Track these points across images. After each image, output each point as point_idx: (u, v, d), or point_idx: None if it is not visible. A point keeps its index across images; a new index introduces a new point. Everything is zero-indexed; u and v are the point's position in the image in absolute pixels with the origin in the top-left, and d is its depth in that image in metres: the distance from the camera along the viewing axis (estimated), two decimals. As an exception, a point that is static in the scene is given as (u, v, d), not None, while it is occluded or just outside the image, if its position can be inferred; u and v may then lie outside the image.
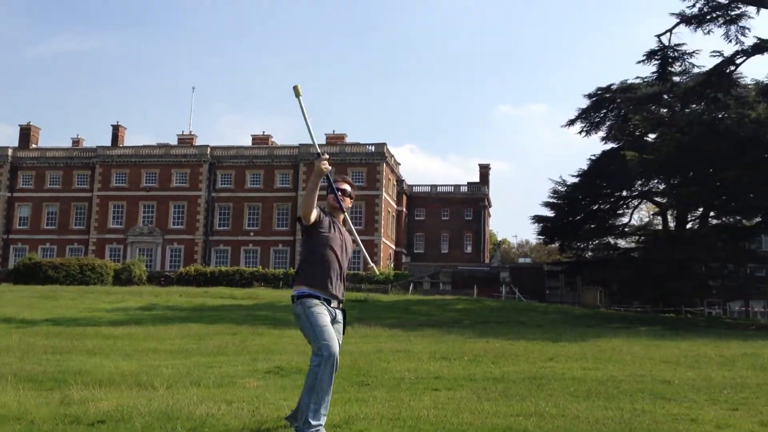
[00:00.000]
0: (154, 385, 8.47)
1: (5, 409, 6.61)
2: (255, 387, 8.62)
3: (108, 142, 75.57)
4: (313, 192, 5.50)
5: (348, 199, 5.99)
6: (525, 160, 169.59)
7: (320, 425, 5.28)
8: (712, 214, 40.02)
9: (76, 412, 6.46)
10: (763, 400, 7.80)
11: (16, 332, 17.75)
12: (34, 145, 76.58)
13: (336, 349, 5.32)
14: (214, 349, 14.25)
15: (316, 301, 5.50)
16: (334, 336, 5.38)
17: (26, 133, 76.61)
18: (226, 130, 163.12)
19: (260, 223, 69.70)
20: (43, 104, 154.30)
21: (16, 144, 75.90)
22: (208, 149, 71.83)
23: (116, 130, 76.76)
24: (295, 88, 5.37)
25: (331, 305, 5.59)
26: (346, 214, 5.99)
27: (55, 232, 71.65)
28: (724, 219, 40.47)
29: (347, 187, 6.01)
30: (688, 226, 41.54)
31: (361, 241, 6.27)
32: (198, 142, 75.88)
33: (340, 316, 5.70)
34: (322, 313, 5.46)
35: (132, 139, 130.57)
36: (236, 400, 7.29)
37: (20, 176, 73.23)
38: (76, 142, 78.49)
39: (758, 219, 38.30)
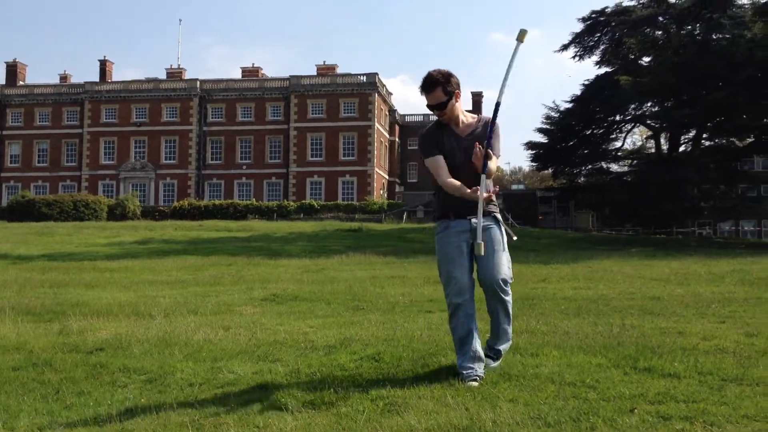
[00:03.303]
0: (152, 314, 8.58)
1: (4, 340, 6.70)
2: (251, 313, 8.74)
3: (96, 78, 74.61)
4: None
5: (450, 103, 4.80)
6: (518, 88, 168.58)
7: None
8: (705, 135, 39.97)
9: (74, 341, 6.56)
10: (750, 312, 7.94)
11: (12, 268, 17.85)
12: (21, 82, 75.65)
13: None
14: (211, 279, 14.38)
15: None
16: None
17: (13, 71, 75.62)
18: (216, 63, 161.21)
19: (253, 157, 69.43)
20: (28, 41, 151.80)
21: (2, 81, 74.96)
22: (198, 83, 71.05)
23: (104, 65, 75.65)
24: (522, 34, 4.49)
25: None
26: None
27: (47, 170, 71.35)
28: (716, 140, 40.42)
29: (441, 96, 4.75)
30: (681, 148, 41.61)
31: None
32: (187, 75, 75.01)
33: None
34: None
35: (120, 74, 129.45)
36: (233, 326, 7.39)
37: (9, 114, 72.54)
38: (63, 78, 77.50)
39: (750, 139, 38.28)
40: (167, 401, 4.37)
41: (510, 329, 5.00)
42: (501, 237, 4.88)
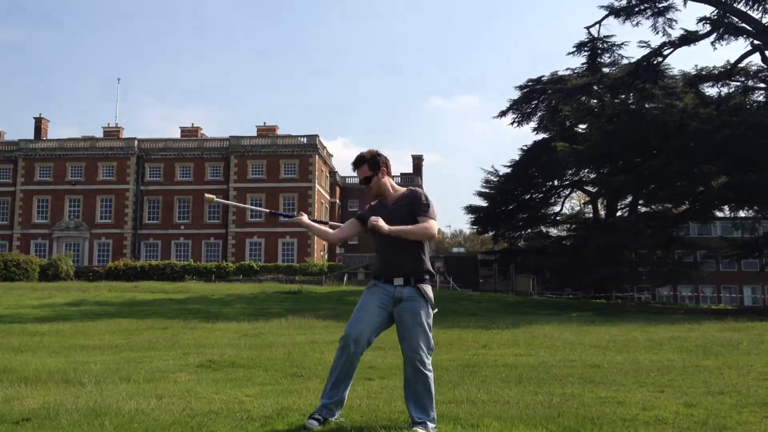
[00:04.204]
0: (82, 381, 8.26)
1: (-77, 411, 6.34)
2: (186, 381, 8.48)
3: (31, 135, 73.36)
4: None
5: (376, 179, 5.36)
6: (457, 152, 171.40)
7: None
8: (641, 202, 40.93)
9: (0, 411, 6.26)
10: (689, 381, 8.02)
11: (-65, 331, 17.11)
12: (-48, 140, 73.98)
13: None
14: (145, 343, 13.99)
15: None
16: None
17: (-56, 126, 73.95)
18: (154, 123, 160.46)
19: (191, 216, 68.66)
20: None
21: (-67, 137, 73.09)
22: (136, 141, 70.36)
23: (39, 122, 74.55)
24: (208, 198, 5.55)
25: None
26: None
27: (-23, 228, 69.30)
28: (652, 207, 41.38)
29: (367, 171, 5.35)
30: (618, 213, 42.56)
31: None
32: (125, 134, 74.31)
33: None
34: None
35: (56, 132, 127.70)
36: (167, 394, 7.15)
37: (-62, 171, 70.59)
38: (-4, 135, 76.00)
39: (685, 206, 39.33)
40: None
41: (431, 406, 5.15)
42: (422, 312, 5.25)
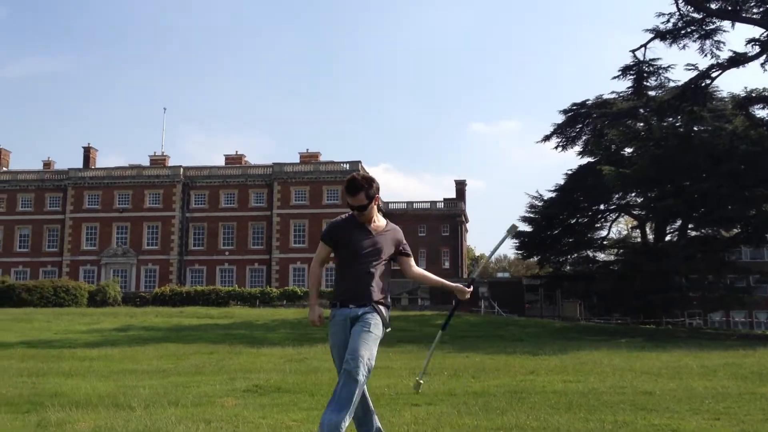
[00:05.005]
0: (132, 405, 8.33)
1: (-21, 434, 6.46)
2: (233, 406, 8.50)
3: (80, 164, 75.01)
4: None
5: (370, 206, 5.36)
6: (500, 177, 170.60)
7: None
8: (690, 226, 40.11)
9: (51, 435, 6.32)
10: (745, 409, 7.80)
11: (-11, 356, 17.43)
12: (4, 168, 76.08)
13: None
14: (192, 368, 14.07)
15: None
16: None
17: (-5, 157, 76.12)
18: (198, 149, 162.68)
19: (235, 243, 69.38)
20: (12, 127, 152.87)
21: (-15, 168, 75.19)
22: (181, 170, 71.57)
23: (87, 152, 76.25)
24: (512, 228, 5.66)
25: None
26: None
27: (28, 255, 70.87)
28: (702, 231, 40.50)
29: (363, 200, 5.31)
30: (667, 238, 41.73)
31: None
32: (170, 162, 75.61)
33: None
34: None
35: (104, 161, 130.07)
36: (215, 419, 7.17)
37: (-8, 199, 72.49)
38: (47, 164, 77.75)
39: (737, 230, 38.47)
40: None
41: (345, 415, 4.86)
42: (372, 322, 5.15)
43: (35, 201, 72.10)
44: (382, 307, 5.25)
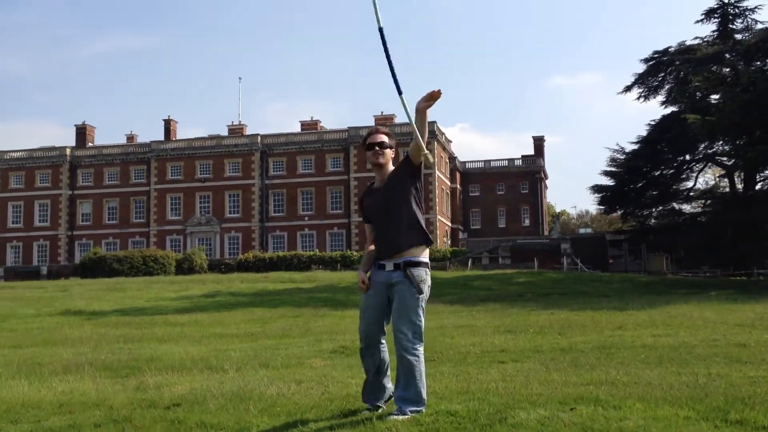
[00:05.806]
0: (224, 368, 8.58)
1: (85, 397, 6.74)
2: (322, 366, 8.66)
3: (161, 137, 76.81)
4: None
5: (388, 151, 5.49)
6: (580, 131, 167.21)
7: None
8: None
9: (152, 397, 6.55)
10: None
11: (87, 324, 18.20)
12: (90, 144, 78.40)
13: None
14: (279, 331, 14.38)
15: None
16: None
17: (82, 133, 78.45)
18: (274, 117, 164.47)
19: (314, 208, 70.19)
20: (96, 103, 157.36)
21: (73, 143, 77.81)
22: (259, 138, 72.48)
23: (168, 124, 77.92)
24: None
25: None
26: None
27: (117, 227, 73.37)
28: (795, 177, 38.99)
29: (384, 138, 5.47)
30: (758, 186, 40.25)
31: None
32: (248, 131, 76.63)
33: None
34: None
35: (183, 132, 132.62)
36: (305, 379, 7.31)
37: (80, 174, 75.16)
38: (130, 138, 79.99)
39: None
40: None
41: (417, 390, 5.06)
42: (409, 295, 5.14)
43: (121, 174, 74.39)
44: (413, 269, 5.17)
